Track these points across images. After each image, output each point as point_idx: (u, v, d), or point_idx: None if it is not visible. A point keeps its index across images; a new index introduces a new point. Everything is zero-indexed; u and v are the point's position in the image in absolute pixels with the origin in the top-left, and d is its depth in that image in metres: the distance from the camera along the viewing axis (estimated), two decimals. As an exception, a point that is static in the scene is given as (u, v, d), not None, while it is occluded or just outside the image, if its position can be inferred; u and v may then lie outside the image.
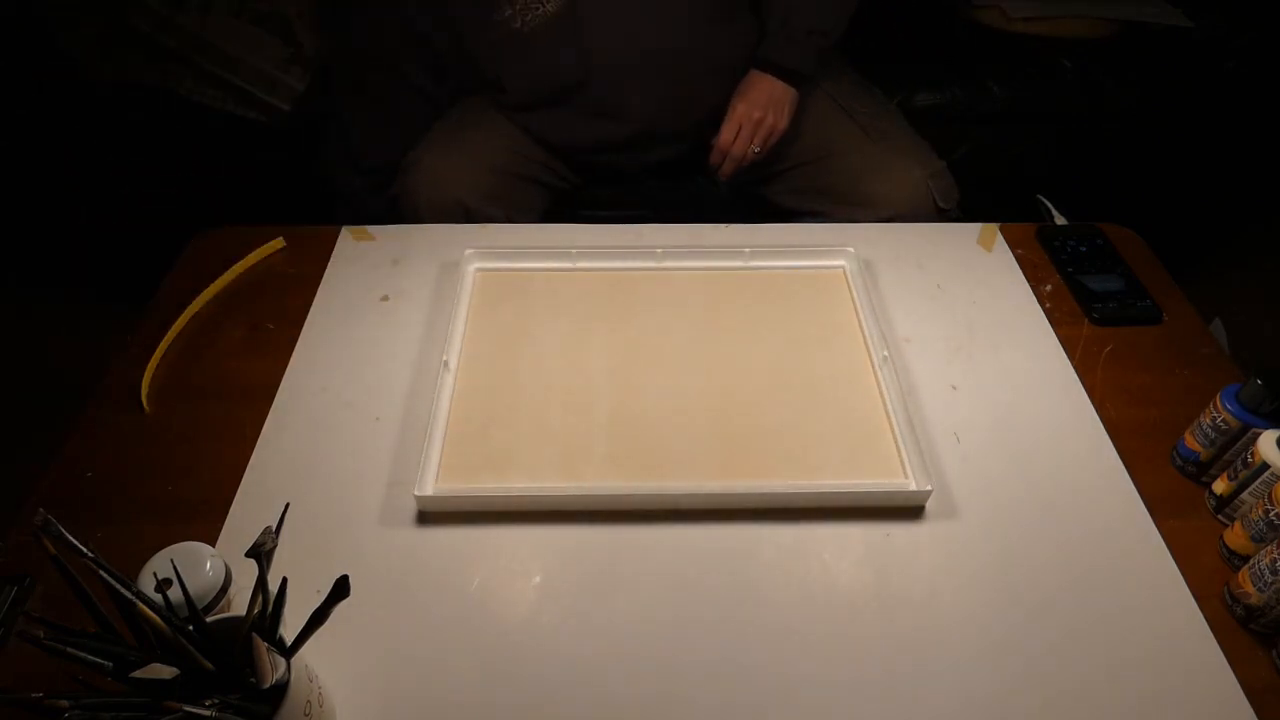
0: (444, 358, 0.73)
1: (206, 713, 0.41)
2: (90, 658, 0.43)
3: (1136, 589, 0.61)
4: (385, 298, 0.83)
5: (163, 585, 0.49)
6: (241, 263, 0.86)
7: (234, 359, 0.77)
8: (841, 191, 1.06)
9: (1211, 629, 0.58)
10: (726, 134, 1.01)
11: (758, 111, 1.00)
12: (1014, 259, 0.89)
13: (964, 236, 0.92)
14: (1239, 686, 0.55)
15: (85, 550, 0.42)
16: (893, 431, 0.70)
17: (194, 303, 0.81)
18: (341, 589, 0.45)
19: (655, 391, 0.74)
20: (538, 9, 0.96)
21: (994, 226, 0.93)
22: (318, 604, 0.46)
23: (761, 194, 1.16)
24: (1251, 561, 0.58)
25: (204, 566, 0.52)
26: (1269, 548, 0.56)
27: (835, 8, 1.03)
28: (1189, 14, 1.39)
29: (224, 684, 0.45)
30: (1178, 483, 0.69)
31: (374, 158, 1.11)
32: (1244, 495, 0.63)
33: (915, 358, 0.78)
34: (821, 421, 0.71)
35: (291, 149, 1.31)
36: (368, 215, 0.94)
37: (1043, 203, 1.03)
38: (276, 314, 0.81)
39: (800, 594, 0.60)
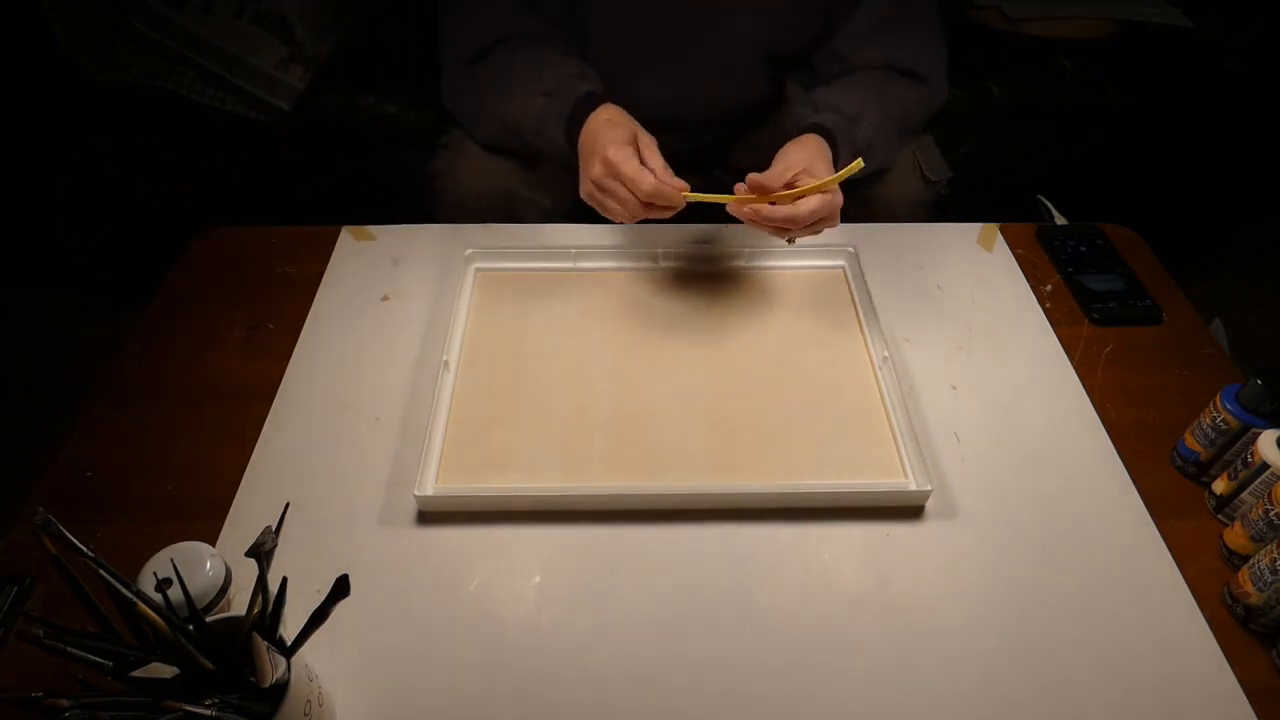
0: (444, 358, 0.73)
1: (206, 712, 0.41)
2: (90, 657, 0.43)
3: (1136, 589, 0.61)
4: (385, 298, 0.83)
5: (163, 585, 0.49)
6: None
7: (234, 359, 0.77)
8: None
9: (1211, 629, 0.58)
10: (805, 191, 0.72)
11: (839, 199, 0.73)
12: (1014, 259, 0.89)
13: (964, 236, 0.92)
14: (1239, 686, 0.55)
15: (85, 550, 0.42)
16: (893, 431, 0.70)
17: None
18: (341, 588, 0.45)
19: (655, 391, 0.74)
20: None
21: (994, 226, 0.93)
22: (318, 604, 0.46)
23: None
24: (1251, 561, 0.58)
25: (204, 566, 0.52)
26: (1269, 548, 0.56)
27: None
28: (1189, 14, 1.38)
29: (224, 684, 0.45)
30: (1178, 483, 0.69)
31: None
32: (1244, 495, 0.63)
33: (915, 358, 0.78)
34: (821, 421, 0.71)
35: (291, 149, 1.31)
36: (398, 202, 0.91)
37: (1043, 203, 1.03)
38: (276, 314, 0.81)
39: (800, 594, 0.60)
